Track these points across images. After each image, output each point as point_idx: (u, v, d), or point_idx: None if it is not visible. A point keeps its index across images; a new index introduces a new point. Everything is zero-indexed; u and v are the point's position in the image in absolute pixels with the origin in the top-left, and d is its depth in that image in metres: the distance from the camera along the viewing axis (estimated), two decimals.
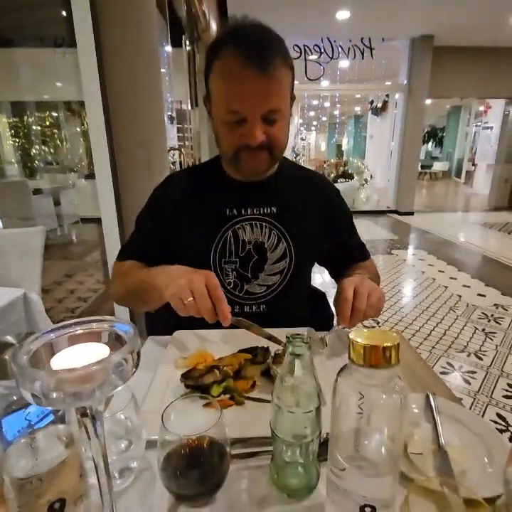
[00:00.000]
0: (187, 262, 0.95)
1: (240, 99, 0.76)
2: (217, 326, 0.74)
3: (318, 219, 0.98)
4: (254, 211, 0.92)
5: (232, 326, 0.73)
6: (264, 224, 0.92)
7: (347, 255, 1.04)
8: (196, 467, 0.46)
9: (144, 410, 0.59)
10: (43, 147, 7.09)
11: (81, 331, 0.33)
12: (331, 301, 1.17)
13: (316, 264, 1.06)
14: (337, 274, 1.08)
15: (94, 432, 0.34)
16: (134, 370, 0.30)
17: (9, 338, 0.35)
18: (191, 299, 0.67)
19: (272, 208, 0.93)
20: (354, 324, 0.77)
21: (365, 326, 0.82)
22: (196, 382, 0.63)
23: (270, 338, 0.74)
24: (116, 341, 0.33)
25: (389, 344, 0.33)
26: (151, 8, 1.77)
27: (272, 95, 0.76)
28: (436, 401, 0.61)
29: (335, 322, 0.81)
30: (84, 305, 3.14)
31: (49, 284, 3.51)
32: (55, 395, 0.26)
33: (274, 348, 0.73)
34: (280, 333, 0.83)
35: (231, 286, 0.93)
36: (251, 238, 0.92)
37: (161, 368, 0.72)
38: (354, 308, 0.75)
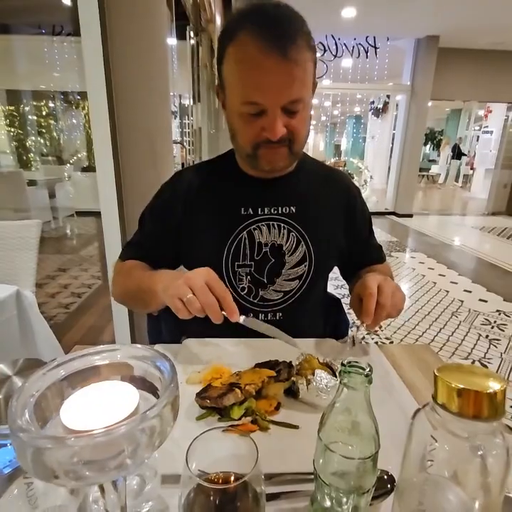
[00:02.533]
0: (197, 265, 0.87)
1: (258, 89, 0.67)
2: (225, 331, 0.67)
3: (339, 219, 0.91)
4: (272, 211, 0.84)
5: (243, 328, 0.66)
6: (282, 225, 0.84)
7: (364, 256, 0.98)
8: None
9: None
10: (38, 138, 6.95)
11: (99, 363, 0.25)
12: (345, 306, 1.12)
13: None
14: (349, 275, 1.02)
15: (114, 488, 0.27)
16: (172, 425, 0.22)
17: (3, 368, 0.28)
18: (191, 295, 0.61)
19: (291, 208, 0.85)
20: (377, 322, 0.72)
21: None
22: (215, 404, 0.56)
23: (288, 342, 0.68)
24: (147, 379, 0.25)
25: (493, 390, 0.26)
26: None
27: (295, 83, 0.67)
28: None
29: (354, 323, 0.75)
30: (79, 301, 3.04)
31: (42, 278, 3.40)
32: (70, 469, 0.19)
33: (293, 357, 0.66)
34: (299, 343, 0.76)
35: (245, 292, 0.85)
36: (268, 240, 0.84)
37: None
38: (378, 305, 0.70)
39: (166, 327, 1.01)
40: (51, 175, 5.86)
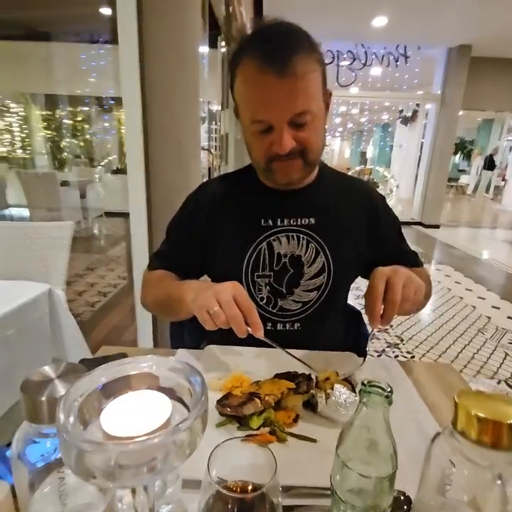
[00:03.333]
0: (218, 274, 0.89)
1: (263, 107, 0.70)
2: (245, 341, 0.68)
3: (362, 230, 0.90)
4: (291, 222, 0.85)
5: (263, 343, 0.67)
6: (301, 236, 0.85)
7: (397, 264, 0.94)
8: None
9: None
10: (73, 140, 7.24)
11: (135, 372, 0.27)
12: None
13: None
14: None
15: (145, 490, 0.29)
16: (202, 435, 0.24)
17: (47, 371, 0.30)
18: (217, 308, 0.63)
19: (311, 219, 0.86)
20: (388, 321, 0.67)
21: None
22: (235, 412, 0.57)
23: (303, 363, 0.69)
24: (179, 390, 0.27)
25: None
26: (195, 11, 1.73)
27: (297, 97, 0.69)
28: None
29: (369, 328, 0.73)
30: (104, 299, 3.14)
31: (70, 276, 3.53)
32: (107, 471, 0.20)
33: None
34: (317, 356, 0.77)
35: (264, 301, 0.86)
36: (287, 251, 0.85)
37: None
38: (387, 302, 0.66)
39: (188, 333, 1.04)
40: (83, 176, 6.09)
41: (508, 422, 0.26)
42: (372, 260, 0.92)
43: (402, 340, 2.69)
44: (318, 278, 0.86)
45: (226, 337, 0.74)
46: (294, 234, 0.85)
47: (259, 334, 0.65)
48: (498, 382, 2.24)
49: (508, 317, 3.24)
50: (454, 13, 4.90)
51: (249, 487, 0.41)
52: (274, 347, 0.68)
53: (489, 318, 3.19)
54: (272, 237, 0.85)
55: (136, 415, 0.24)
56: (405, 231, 0.95)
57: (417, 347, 2.63)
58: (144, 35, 1.54)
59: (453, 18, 5.09)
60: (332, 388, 0.61)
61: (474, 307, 3.41)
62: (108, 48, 5.04)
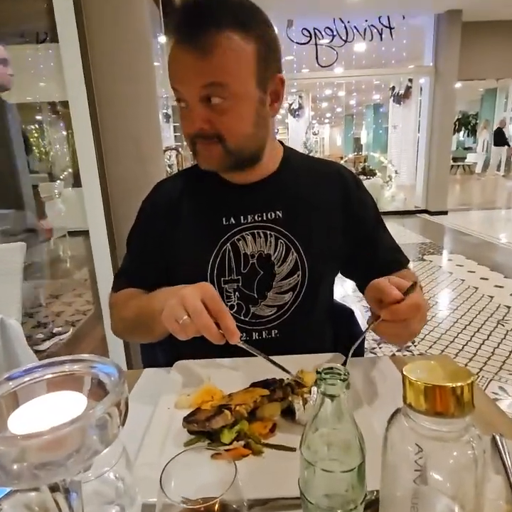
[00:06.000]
0: (181, 283, 0.90)
1: (176, 76, 0.74)
2: (224, 351, 0.69)
3: (335, 217, 0.89)
4: (256, 218, 0.86)
5: (242, 350, 0.67)
6: (268, 232, 0.86)
7: (376, 260, 0.91)
8: None
9: (139, 464, 0.55)
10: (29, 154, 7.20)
11: (52, 376, 0.28)
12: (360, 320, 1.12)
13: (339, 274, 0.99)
14: (365, 285, 1.00)
15: (69, 508, 0.30)
16: (121, 427, 0.25)
17: None
18: (186, 317, 0.62)
19: (277, 212, 0.86)
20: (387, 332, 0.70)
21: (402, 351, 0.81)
22: (202, 428, 0.58)
23: (280, 367, 0.68)
24: (98, 387, 0.28)
25: (461, 384, 0.28)
26: None
27: (207, 69, 0.70)
28: (507, 445, 0.54)
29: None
30: (72, 329, 3.11)
31: (32, 306, 3.50)
32: (14, 470, 0.22)
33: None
34: (300, 360, 0.78)
35: (234, 310, 0.87)
36: (254, 251, 0.86)
37: (160, 409, 0.67)
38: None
39: (161, 349, 1.04)
40: (41, 193, 6.06)
41: (453, 385, 0.28)
42: (349, 252, 0.91)
43: (413, 341, 2.71)
44: (292, 277, 0.86)
45: (203, 346, 0.74)
46: (260, 231, 0.86)
47: (235, 340, 0.64)
48: None
49: None
50: None
51: (216, 504, 0.42)
52: (254, 354, 0.67)
53: (509, 307, 3.24)
54: (236, 237, 0.86)
55: (48, 415, 0.25)
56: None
57: (430, 347, 2.66)
58: (85, 29, 1.56)
59: None
60: (310, 392, 0.62)
61: (491, 297, 3.46)
62: (57, 47, 5.06)
